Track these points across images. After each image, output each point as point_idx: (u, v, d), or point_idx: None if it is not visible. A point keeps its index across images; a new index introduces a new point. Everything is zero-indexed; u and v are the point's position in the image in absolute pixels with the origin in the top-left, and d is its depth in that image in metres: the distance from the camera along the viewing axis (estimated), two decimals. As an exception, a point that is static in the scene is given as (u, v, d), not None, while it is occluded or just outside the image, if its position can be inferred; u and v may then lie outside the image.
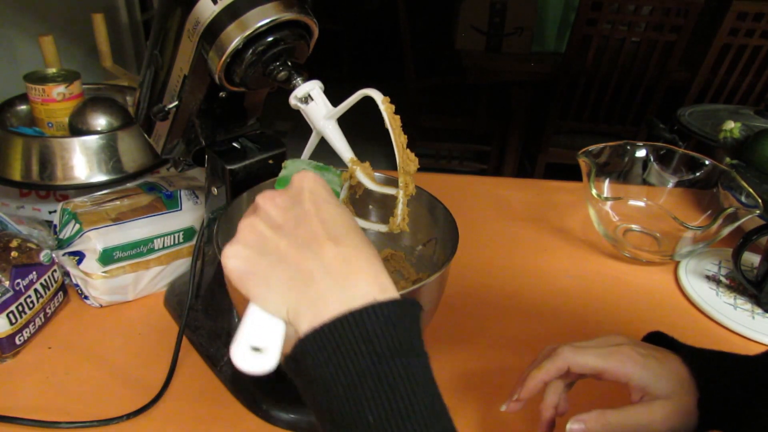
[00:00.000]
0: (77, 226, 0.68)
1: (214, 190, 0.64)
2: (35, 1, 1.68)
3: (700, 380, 0.46)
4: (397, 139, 0.49)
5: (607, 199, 0.90)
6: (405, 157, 0.50)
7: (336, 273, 0.35)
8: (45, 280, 0.67)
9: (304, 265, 0.35)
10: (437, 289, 0.56)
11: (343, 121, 0.54)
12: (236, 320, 0.66)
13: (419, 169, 0.52)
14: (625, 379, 0.47)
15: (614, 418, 0.45)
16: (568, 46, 2.06)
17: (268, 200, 0.38)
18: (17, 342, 0.64)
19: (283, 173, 0.52)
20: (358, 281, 0.34)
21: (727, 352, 0.49)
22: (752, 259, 0.86)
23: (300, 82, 0.52)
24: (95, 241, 0.68)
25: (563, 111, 2.18)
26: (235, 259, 0.37)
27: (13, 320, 0.63)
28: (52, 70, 0.84)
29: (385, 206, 0.67)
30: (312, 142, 0.54)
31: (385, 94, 0.50)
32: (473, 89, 2.53)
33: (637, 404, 0.46)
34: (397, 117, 0.49)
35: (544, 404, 0.49)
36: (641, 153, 0.96)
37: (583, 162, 0.87)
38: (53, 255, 0.68)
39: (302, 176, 0.39)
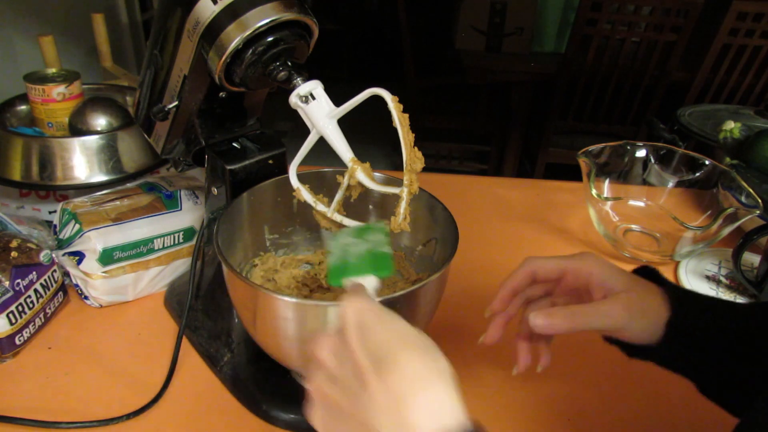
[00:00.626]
0: (77, 226, 0.68)
1: (214, 190, 0.64)
2: (35, 1, 1.68)
3: (674, 302, 0.47)
4: (406, 137, 0.50)
5: (607, 199, 0.90)
6: (412, 155, 0.50)
7: (394, 417, 0.34)
8: (45, 280, 0.67)
9: (368, 421, 0.35)
10: (437, 289, 0.56)
11: (342, 123, 0.54)
12: (236, 320, 0.66)
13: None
14: (586, 275, 0.49)
15: (580, 310, 0.47)
16: (568, 46, 2.06)
17: (319, 350, 0.38)
18: (17, 342, 0.64)
19: (330, 260, 0.48)
20: (419, 420, 0.33)
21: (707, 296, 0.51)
22: (752, 259, 0.86)
23: (300, 82, 0.52)
24: (95, 241, 0.68)
25: (563, 111, 2.18)
26: (316, 420, 0.38)
27: (13, 320, 0.63)
28: (52, 70, 0.84)
29: (384, 208, 0.67)
30: (309, 143, 0.54)
31: (387, 95, 0.50)
32: (473, 89, 2.53)
33: (601, 300, 0.48)
34: (406, 115, 0.50)
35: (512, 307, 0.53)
36: (641, 153, 0.96)
37: (583, 162, 0.87)
38: (53, 255, 0.68)
39: (344, 312, 0.38)
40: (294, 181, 0.57)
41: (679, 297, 0.48)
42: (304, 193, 0.58)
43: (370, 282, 0.44)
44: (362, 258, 0.46)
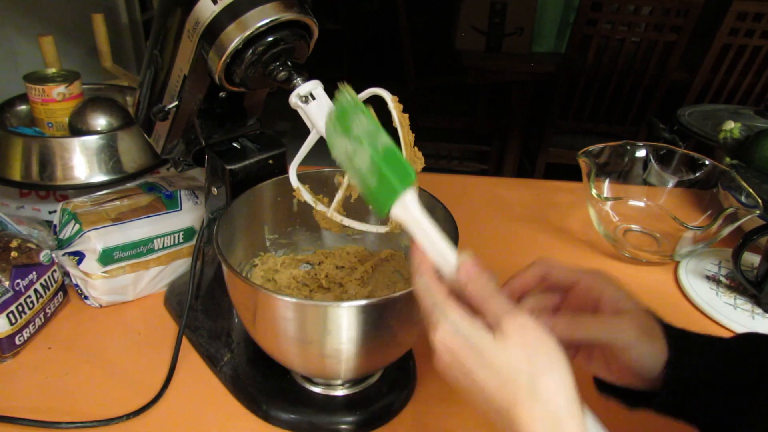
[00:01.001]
0: (77, 226, 0.68)
1: (214, 190, 0.64)
2: (35, 1, 1.68)
3: (671, 343, 0.46)
4: (406, 137, 0.50)
5: (607, 199, 0.91)
6: (412, 155, 0.50)
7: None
8: (45, 280, 0.67)
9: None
10: (437, 289, 0.56)
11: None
12: (236, 320, 0.66)
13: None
14: (597, 292, 0.47)
15: (585, 318, 0.46)
16: (568, 46, 2.06)
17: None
18: (17, 342, 0.64)
19: (355, 182, 0.46)
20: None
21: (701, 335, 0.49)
22: (752, 259, 0.86)
23: (300, 82, 0.52)
24: (95, 241, 0.68)
25: (563, 111, 2.18)
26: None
27: (13, 320, 0.63)
28: (52, 70, 0.84)
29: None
30: (309, 143, 0.54)
31: (387, 94, 0.50)
32: (473, 89, 2.53)
33: (608, 315, 0.46)
34: (406, 115, 0.50)
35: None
36: (641, 153, 0.96)
37: (583, 162, 0.87)
38: (53, 255, 0.68)
39: (440, 352, 0.40)
40: (294, 181, 0.57)
41: (675, 336, 0.46)
42: (304, 193, 0.58)
43: (409, 201, 0.44)
44: (379, 174, 0.44)
